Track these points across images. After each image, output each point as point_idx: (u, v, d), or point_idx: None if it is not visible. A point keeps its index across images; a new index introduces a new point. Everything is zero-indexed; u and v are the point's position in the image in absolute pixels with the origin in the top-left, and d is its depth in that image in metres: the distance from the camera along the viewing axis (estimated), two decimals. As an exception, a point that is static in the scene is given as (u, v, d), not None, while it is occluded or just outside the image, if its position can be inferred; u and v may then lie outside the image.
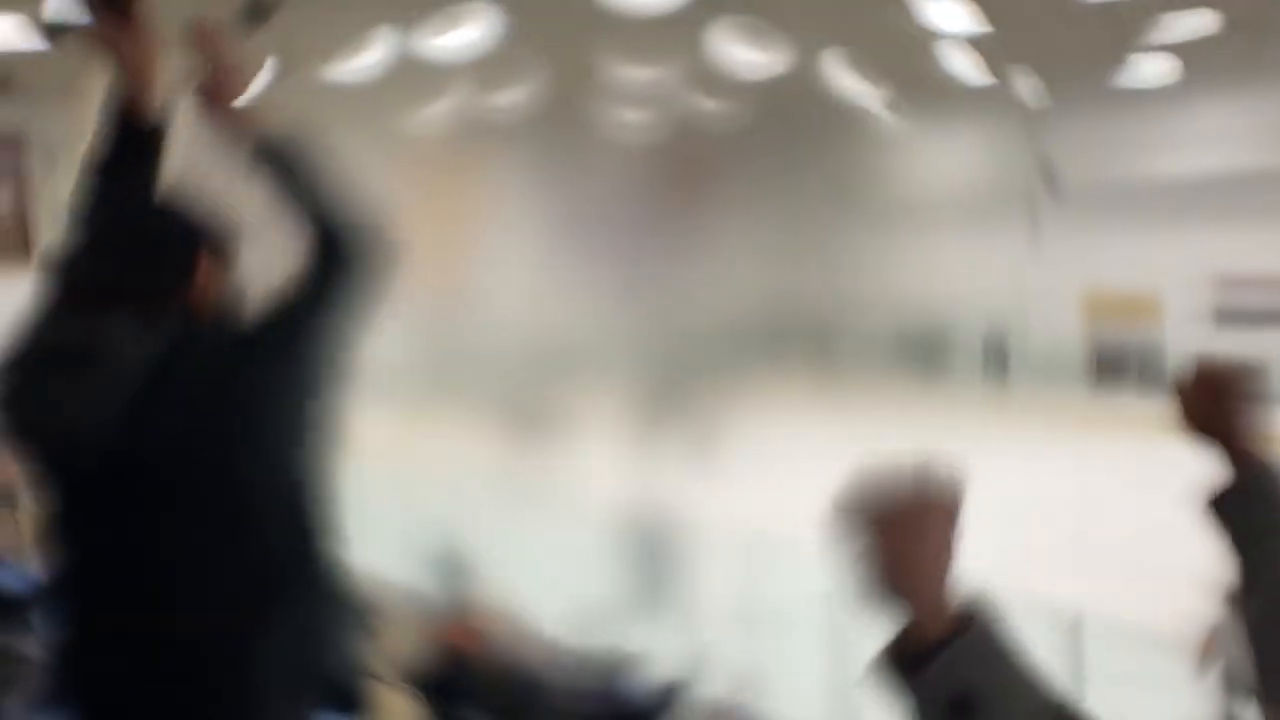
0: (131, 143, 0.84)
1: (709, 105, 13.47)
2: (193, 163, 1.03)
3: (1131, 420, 11.78)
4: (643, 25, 9.08)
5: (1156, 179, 13.70)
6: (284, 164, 0.89)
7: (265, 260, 0.95)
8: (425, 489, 9.30)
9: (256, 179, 0.88)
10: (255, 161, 0.89)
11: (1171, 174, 13.59)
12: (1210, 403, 0.85)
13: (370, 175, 5.14)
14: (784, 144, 15.54)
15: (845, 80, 12.24)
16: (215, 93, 0.88)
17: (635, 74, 11.76)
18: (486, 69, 10.80)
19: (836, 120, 14.52)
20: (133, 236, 0.80)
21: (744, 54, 10.72)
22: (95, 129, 0.84)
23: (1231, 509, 0.82)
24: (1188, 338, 13.23)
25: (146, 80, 0.84)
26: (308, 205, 0.88)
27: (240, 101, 0.89)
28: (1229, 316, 13.33)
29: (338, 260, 0.88)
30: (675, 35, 9.84)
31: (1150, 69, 12.55)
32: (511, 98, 12.45)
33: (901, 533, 0.49)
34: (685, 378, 12.66)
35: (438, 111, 12.74)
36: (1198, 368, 0.87)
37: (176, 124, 0.88)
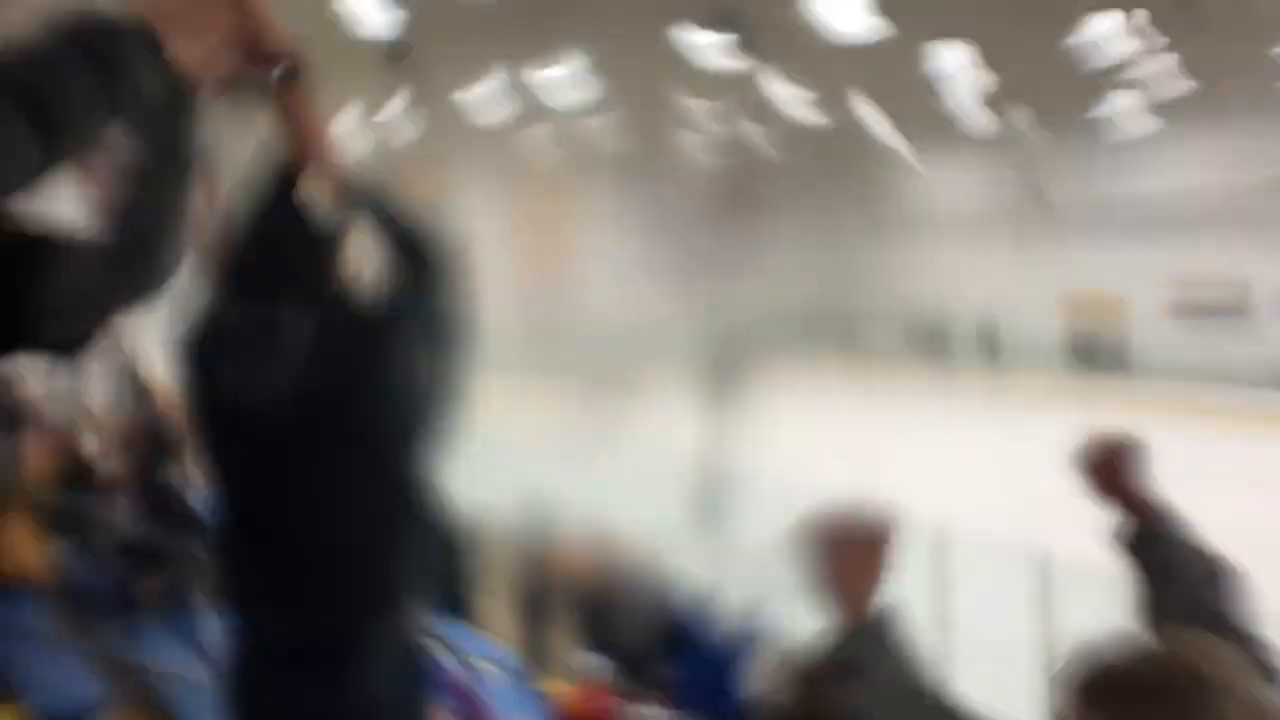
0: (290, 193, 0.92)
1: (760, 138, 16.07)
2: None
3: (1101, 396, 14.12)
4: (709, 68, 10.56)
5: (1124, 196, 15.87)
6: (370, 203, 1.06)
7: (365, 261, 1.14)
8: (527, 441, 10.55)
9: (354, 216, 1.04)
10: (350, 203, 1.00)
11: (1136, 192, 15.76)
12: (1107, 469, 0.98)
13: (492, 192, 9.20)
14: (819, 172, 18.39)
15: (870, 119, 14.70)
16: (304, 154, 0.92)
17: (703, 108, 14.18)
18: (583, 101, 12.47)
19: (861, 153, 17.19)
20: (294, 244, 0.98)
21: (788, 94, 12.80)
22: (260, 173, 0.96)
23: (1137, 550, 0.96)
24: (1149, 329, 15.68)
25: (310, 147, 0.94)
26: (393, 232, 1.08)
27: (328, 156, 1.00)
28: (1184, 311, 15.71)
29: (419, 267, 1.08)
30: (734, 78, 11.28)
31: (1122, 103, 13.81)
32: (603, 124, 15.00)
33: (843, 556, 0.64)
34: (739, 357, 15.14)
35: (543, 136, 15.43)
36: (1092, 443, 0.95)
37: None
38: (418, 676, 1.01)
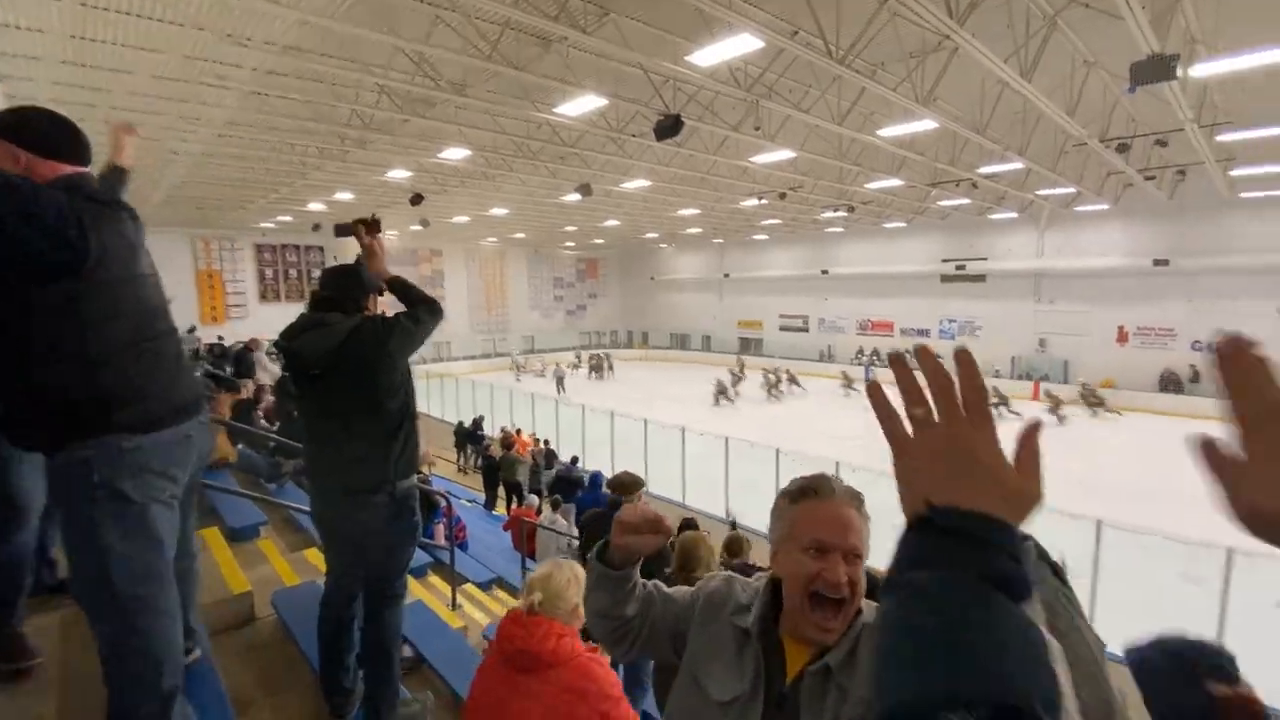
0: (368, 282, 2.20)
1: (598, 240, 32.44)
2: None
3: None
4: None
5: (763, 276, 34.87)
6: (398, 287, 2.33)
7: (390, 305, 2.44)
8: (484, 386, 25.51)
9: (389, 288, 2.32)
10: (388, 286, 2.30)
11: (770, 274, 34.78)
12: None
13: (466, 267, 28.49)
14: (626, 256, 35.39)
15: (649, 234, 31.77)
16: (371, 258, 2.24)
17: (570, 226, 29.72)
18: (506, 218, 27.45)
19: (643, 247, 34.94)
20: (348, 282, 2.19)
21: (611, 222, 29.25)
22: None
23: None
24: (772, 334, 34.35)
25: (379, 260, 2.26)
26: (409, 298, 2.27)
27: (380, 260, 2.25)
28: (785, 326, 34.71)
29: (418, 313, 2.19)
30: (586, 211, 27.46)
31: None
32: (519, 230, 29.82)
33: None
34: (599, 349, 30.93)
35: (490, 239, 29.93)
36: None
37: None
38: (412, 516, 2.23)
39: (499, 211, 22.05)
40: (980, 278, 25.29)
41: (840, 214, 21.58)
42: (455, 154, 13.03)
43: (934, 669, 0.35)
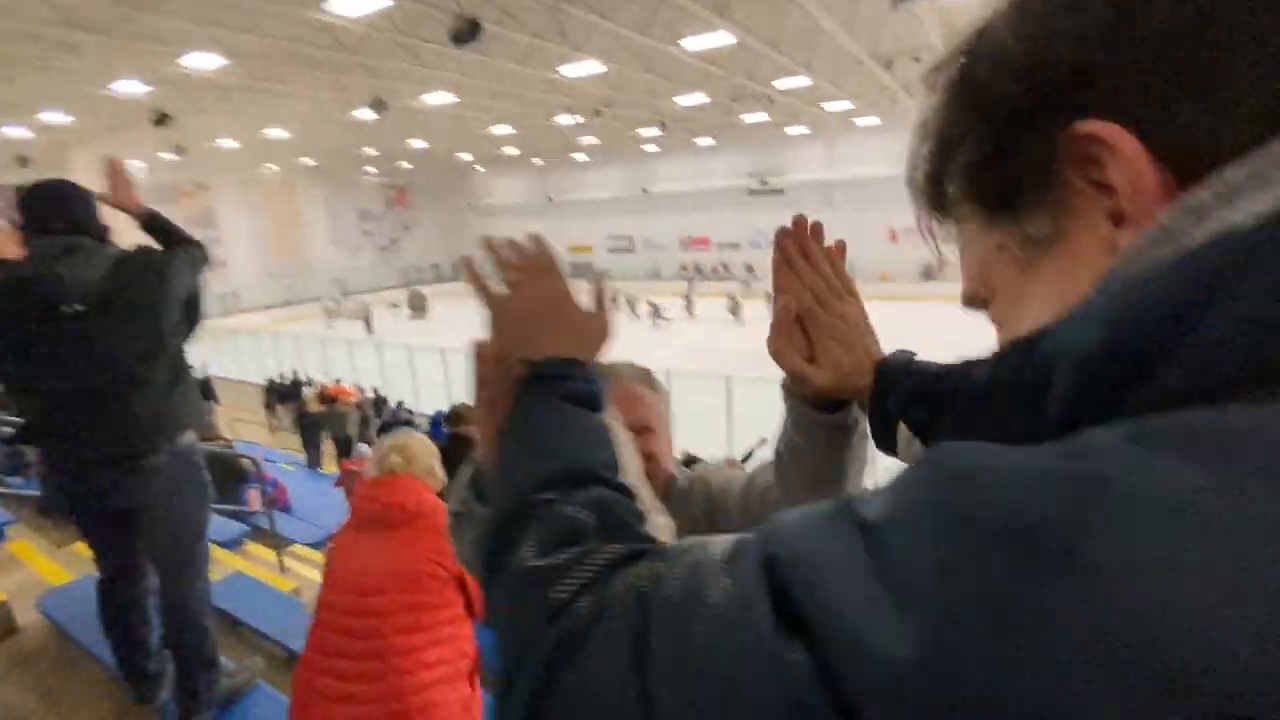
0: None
1: (405, 163, 29.40)
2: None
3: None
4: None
5: (584, 198, 34.57)
6: (158, 226, 1.92)
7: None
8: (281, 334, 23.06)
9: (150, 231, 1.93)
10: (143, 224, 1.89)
11: (585, 197, 34.55)
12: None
13: (248, 202, 26.12)
14: (439, 181, 32.65)
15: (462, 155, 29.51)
16: (116, 188, 1.80)
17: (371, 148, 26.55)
18: (291, 142, 23.86)
19: (458, 169, 32.40)
20: (80, 202, 1.77)
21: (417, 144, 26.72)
22: None
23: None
24: (603, 258, 34.61)
25: (125, 190, 1.85)
26: (170, 239, 1.91)
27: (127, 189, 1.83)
28: (613, 249, 35.16)
29: (193, 251, 1.92)
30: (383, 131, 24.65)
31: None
32: (309, 155, 26.02)
33: None
34: (415, 286, 28.71)
35: (273, 166, 25.67)
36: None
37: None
38: (201, 473, 1.99)
39: (277, 133, 18.99)
40: (780, 191, 27.44)
41: (655, 131, 21.83)
42: (204, 61, 10.78)
43: (522, 464, 0.43)
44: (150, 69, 11.48)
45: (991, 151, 0.32)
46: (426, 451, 1.84)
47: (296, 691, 1.59)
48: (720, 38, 10.44)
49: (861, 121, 22.29)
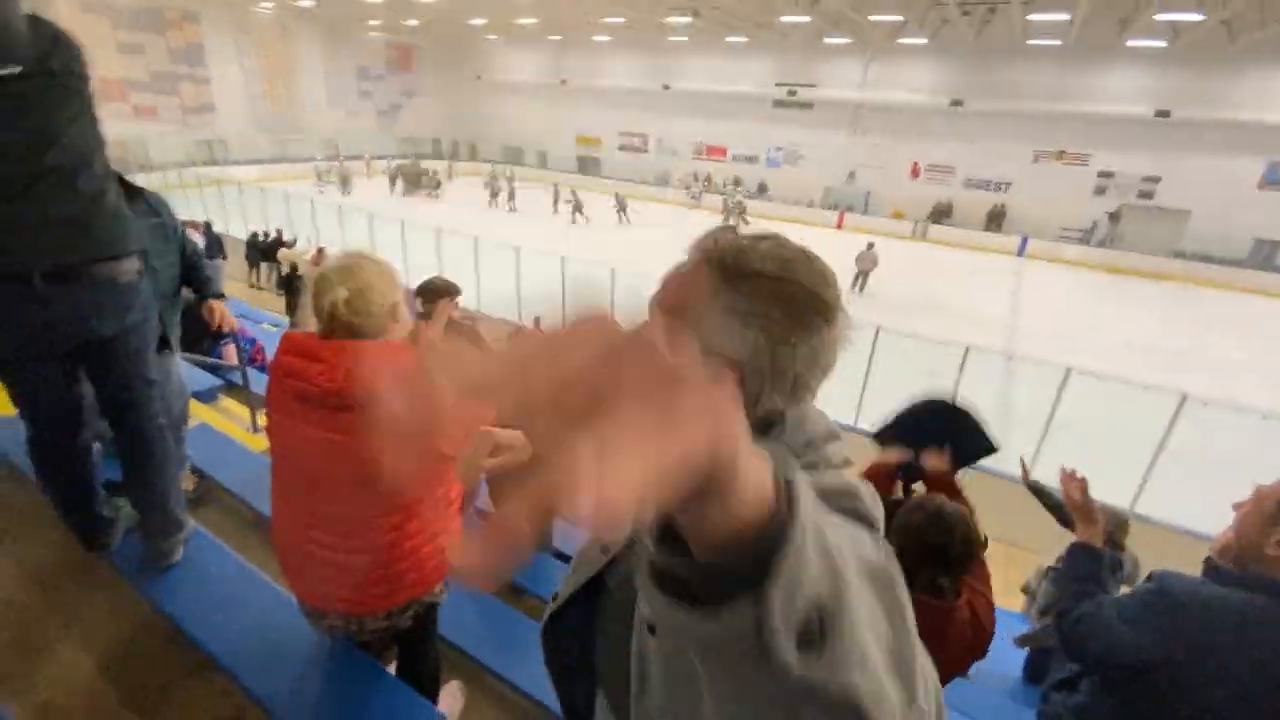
0: None
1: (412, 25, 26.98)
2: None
3: (589, 185, 30.95)
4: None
5: (607, 86, 32.46)
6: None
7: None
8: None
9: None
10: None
11: (611, 85, 32.39)
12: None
13: (239, 45, 23.17)
14: (446, 48, 30.27)
15: (476, 23, 27.16)
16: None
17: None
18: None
19: (470, 38, 29.94)
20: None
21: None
22: None
23: None
24: (611, 155, 33.03)
25: None
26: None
27: None
28: (626, 147, 33.49)
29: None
30: None
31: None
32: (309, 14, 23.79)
33: None
34: (411, 157, 27.29)
35: (269, 7, 23.42)
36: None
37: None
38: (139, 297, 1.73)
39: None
40: (809, 105, 25.92)
41: (685, 19, 20.16)
42: None
43: None
44: None
45: None
46: (385, 277, 1.38)
47: (283, 554, 1.54)
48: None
49: (905, 40, 20.67)
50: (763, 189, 27.66)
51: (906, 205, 24.03)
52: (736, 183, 27.56)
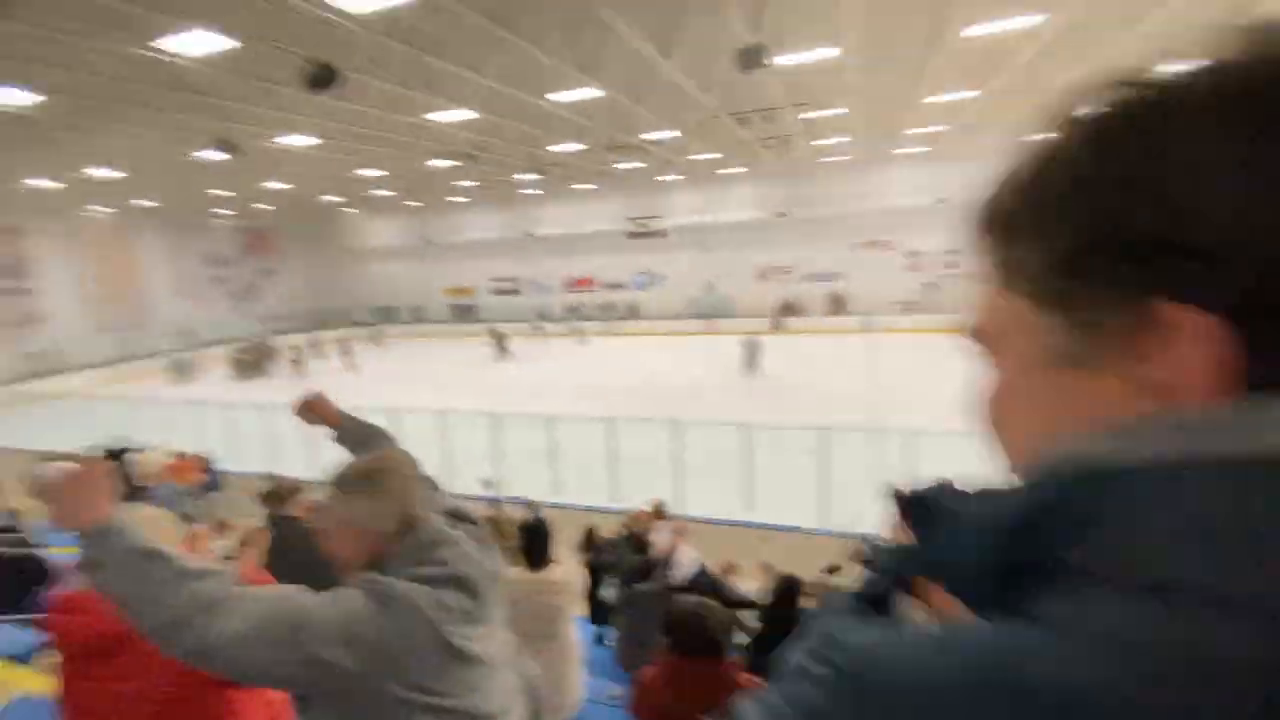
0: None
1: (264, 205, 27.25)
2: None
3: (463, 334, 31.34)
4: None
5: (453, 241, 34.00)
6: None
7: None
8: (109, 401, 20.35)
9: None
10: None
11: (458, 240, 34.00)
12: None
13: (70, 251, 23.79)
14: (306, 224, 30.70)
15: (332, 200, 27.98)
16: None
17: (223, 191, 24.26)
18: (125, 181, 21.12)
19: (329, 212, 30.63)
20: None
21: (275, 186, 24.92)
22: None
23: None
24: (483, 299, 33.97)
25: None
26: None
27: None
28: (497, 290, 34.67)
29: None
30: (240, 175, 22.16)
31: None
32: (148, 196, 23.33)
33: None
34: (267, 339, 26.41)
35: (102, 209, 22.78)
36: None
37: None
38: None
39: (105, 173, 17.08)
40: (661, 233, 28.68)
41: (533, 176, 22.10)
42: (14, 97, 9.60)
43: None
44: (-61, 102, 10.01)
45: (1084, 269, 0.31)
46: (157, 526, 1.42)
47: None
48: (588, 93, 10.90)
49: (726, 171, 24.02)
50: (634, 311, 29.50)
51: (758, 304, 26.66)
52: (611, 307, 29.45)
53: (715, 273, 28.14)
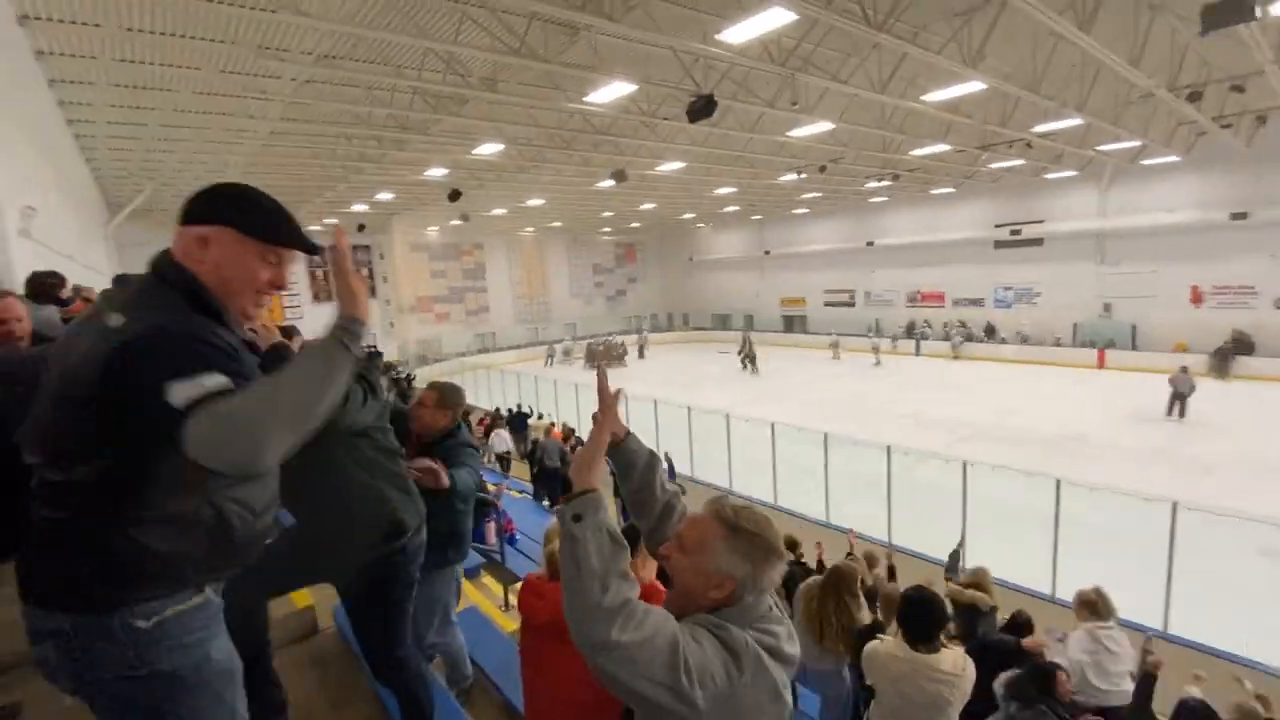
0: None
1: (636, 224, 32.13)
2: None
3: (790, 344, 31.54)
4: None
5: (798, 252, 34.08)
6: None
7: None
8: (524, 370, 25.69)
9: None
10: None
11: (803, 251, 33.93)
12: None
13: (506, 257, 28.04)
14: (662, 239, 35.07)
15: (686, 216, 31.29)
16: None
17: (607, 211, 29.49)
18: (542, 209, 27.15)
19: (680, 227, 34.40)
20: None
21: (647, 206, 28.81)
22: None
23: None
24: (817, 309, 33.60)
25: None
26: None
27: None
28: (830, 300, 33.90)
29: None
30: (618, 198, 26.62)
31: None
32: (556, 220, 29.77)
33: None
34: (640, 332, 30.98)
35: (529, 227, 30.14)
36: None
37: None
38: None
39: (535, 202, 22.11)
40: (1038, 241, 23.99)
41: (884, 183, 20.79)
42: (489, 149, 13.06)
43: None
44: (451, 157, 14.24)
45: None
46: None
47: None
48: (968, 87, 9.62)
49: (1151, 161, 18.58)
50: (990, 332, 25.40)
51: (1192, 334, 20.01)
52: (962, 324, 25.97)
53: (1118, 291, 22.23)
